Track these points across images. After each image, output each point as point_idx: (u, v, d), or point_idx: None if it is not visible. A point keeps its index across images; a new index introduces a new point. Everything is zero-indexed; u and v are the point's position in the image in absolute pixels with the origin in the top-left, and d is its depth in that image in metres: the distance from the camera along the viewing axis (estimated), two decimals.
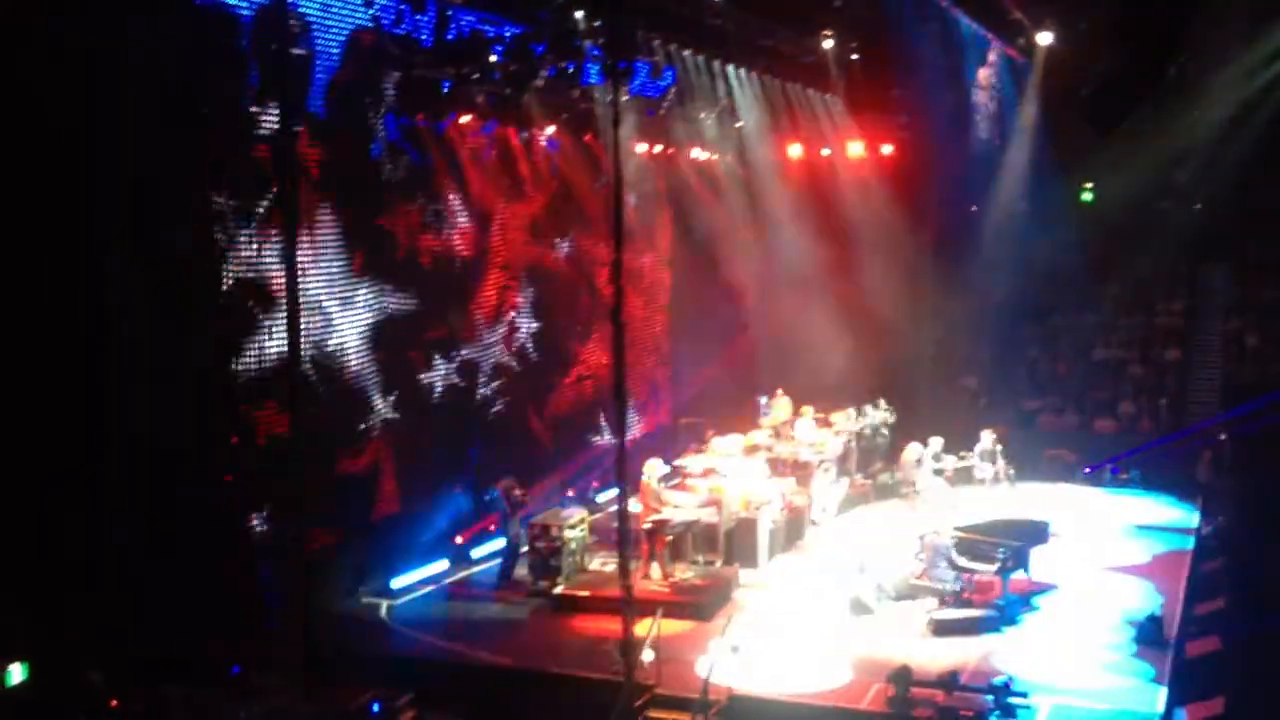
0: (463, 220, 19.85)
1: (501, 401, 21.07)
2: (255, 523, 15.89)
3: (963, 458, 22.70)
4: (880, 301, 27.59)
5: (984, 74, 26.78)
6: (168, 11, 14.34)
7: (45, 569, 13.19)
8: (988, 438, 22.97)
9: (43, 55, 13.18)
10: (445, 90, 18.43)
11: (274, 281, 15.55)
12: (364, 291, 17.73)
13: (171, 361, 14.47)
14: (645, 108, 22.65)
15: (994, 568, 16.50)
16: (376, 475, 18.04)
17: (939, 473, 21.62)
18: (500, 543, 18.85)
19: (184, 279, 14.85)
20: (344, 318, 17.36)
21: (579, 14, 18.51)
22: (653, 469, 18.12)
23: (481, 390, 20.59)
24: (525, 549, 17.99)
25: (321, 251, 16.91)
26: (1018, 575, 16.75)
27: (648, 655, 13.86)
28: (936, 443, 22.04)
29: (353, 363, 17.52)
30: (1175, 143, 28.15)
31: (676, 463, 20.90)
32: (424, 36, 17.48)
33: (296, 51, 15.51)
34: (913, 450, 21.62)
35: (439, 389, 19.59)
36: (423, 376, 19.26)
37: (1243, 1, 24.65)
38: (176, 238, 14.72)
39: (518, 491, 18.58)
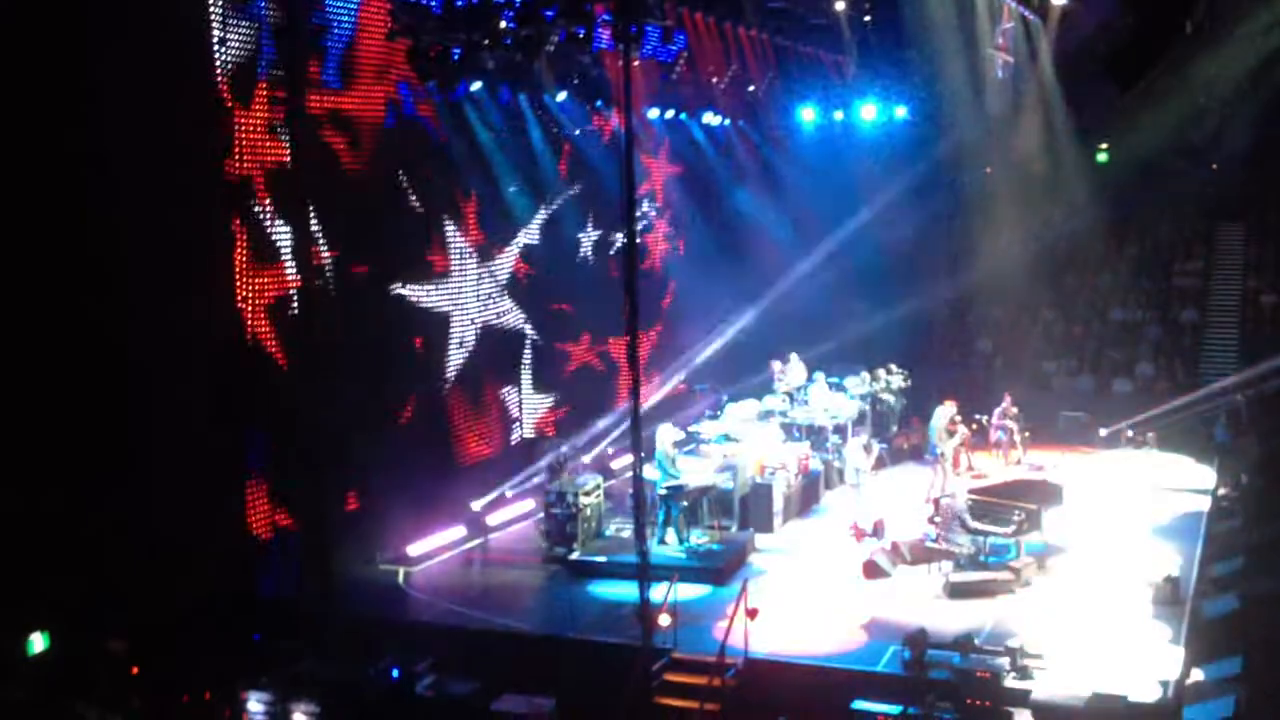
0: None
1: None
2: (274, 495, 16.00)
3: (979, 421, 22.64)
4: (894, 265, 27.46)
5: (998, 35, 26.52)
6: None
7: (68, 540, 13.28)
8: (1007, 400, 22.93)
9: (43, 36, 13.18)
10: (456, 57, 18.31)
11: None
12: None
13: (186, 339, 14.55)
14: (657, 72, 22.51)
15: (1009, 530, 16.52)
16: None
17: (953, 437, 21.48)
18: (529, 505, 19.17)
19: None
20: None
21: None
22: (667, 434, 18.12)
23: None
24: (542, 515, 18.05)
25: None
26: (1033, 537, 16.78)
27: (664, 619, 13.95)
28: (950, 408, 21.92)
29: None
30: (1191, 102, 27.89)
31: (691, 428, 20.90)
32: (434, 3, 17.37)
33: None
34: (942, 415, 20.78)
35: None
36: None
37: None
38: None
39: (565, 449, 18.66)
